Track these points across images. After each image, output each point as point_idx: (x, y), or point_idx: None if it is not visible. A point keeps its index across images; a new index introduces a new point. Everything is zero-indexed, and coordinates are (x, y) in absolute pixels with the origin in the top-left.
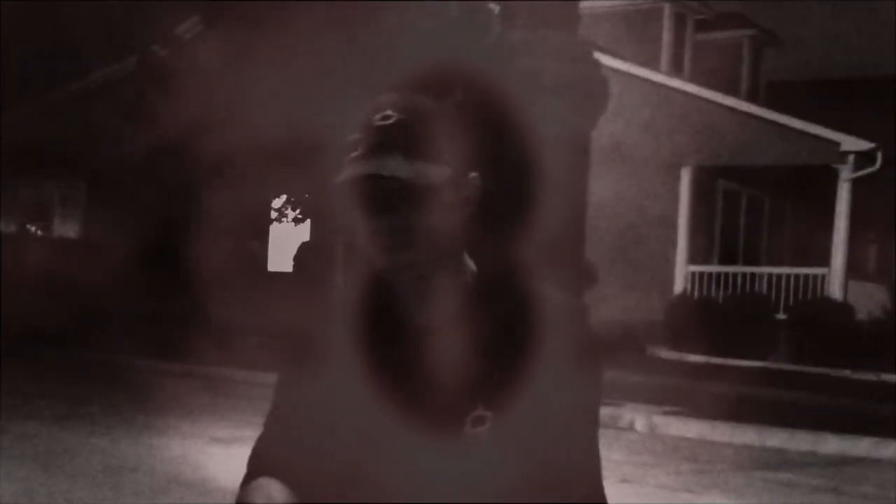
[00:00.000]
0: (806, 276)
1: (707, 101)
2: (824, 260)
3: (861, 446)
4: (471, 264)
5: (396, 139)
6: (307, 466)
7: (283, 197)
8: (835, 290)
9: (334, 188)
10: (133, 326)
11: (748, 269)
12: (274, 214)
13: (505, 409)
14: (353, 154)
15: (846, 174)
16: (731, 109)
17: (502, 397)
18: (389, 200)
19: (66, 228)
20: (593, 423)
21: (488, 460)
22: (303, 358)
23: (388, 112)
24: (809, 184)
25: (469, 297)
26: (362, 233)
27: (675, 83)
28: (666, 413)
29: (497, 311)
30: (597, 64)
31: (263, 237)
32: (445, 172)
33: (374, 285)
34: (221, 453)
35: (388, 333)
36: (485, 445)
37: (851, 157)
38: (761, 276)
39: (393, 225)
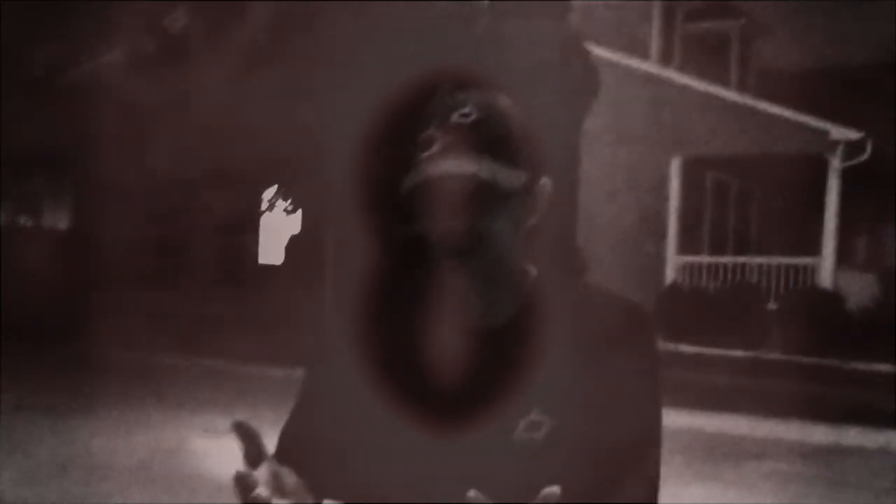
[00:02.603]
0: (796, 266)
1: (697, 91)
2: (814, 249)
3: (851, 436)
4: (532, 268)
5: (478, 139)
6: (339, 459)
7: (274, 189)
8: (825, 279)
9: (408, 186)
10: (124, 318)
11: (738, 260)
12: (264, 206)
13: (564, 414)
14: (428, 152)
15: (836, 163)
16: (721, 99)
17: (561, 402)
18: (469, 202)
19: (56, 220)
20: (657, 431)
21: (542, 466)
22: (342, 349)
23: (468, 110)
24: (799, 173)
25: (529, 301)
26: (434, 233)
27: (665, 73)
28: None
29: (558, 314)
30: (588, 53)
31: (254, 229)
32: (522, 177)
33: (430, 283)
34: (214, 444)
35: (442, 334)
36: (540, 450)
37: (841, 147)
38: (751, 266)
39: (470, 227)
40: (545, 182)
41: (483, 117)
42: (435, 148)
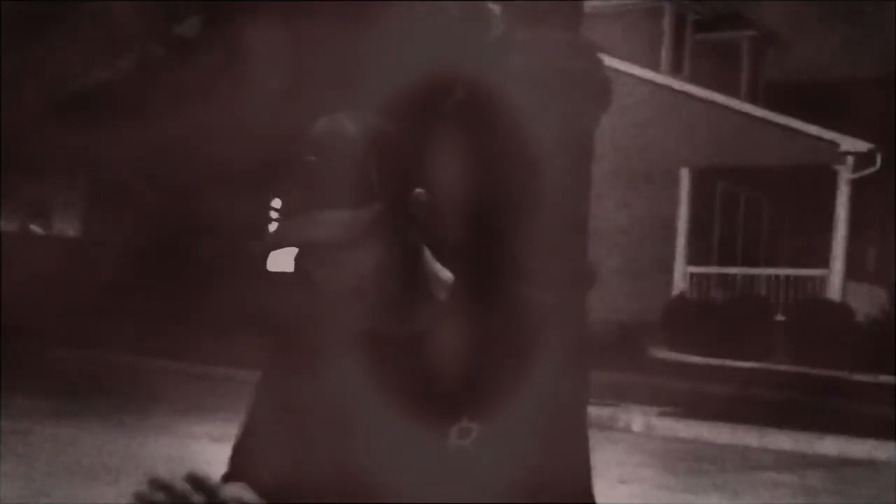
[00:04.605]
0: (805, 278)
1: (706, 101)
2: (823, 261)
3: (859, 448)
4: (445, 274)
5: (318, 188)
6: (286, 469)
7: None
8: (834, 291)
9: (261, 251)
10: (132, 324)
11: (747, 271)
12: (272, 213)
13: (491, 418)
14: (276, 212)
15: (845, 175)
16: (731, 110)
17: (487, 407)
18: (315, 263)
19: (66, 227)
20: (583, 426)
21: (475, 471)
22: (287, 359)
23: (308, 156)
24: (808, 184)
25: (445, 307)
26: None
27: (675, 83)
28: (663, 414)
29: (476, 318)
30: (600, 62)
31: (263, 236)
32: (374, 209)
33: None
34: (221, 452)
35: (368, 346)
36: (471, 456)
37: (851, 158)
38: (760, 277)
39: (327, 279)
40: (419, 193)
41: (324, 159)
42: (281, 209)
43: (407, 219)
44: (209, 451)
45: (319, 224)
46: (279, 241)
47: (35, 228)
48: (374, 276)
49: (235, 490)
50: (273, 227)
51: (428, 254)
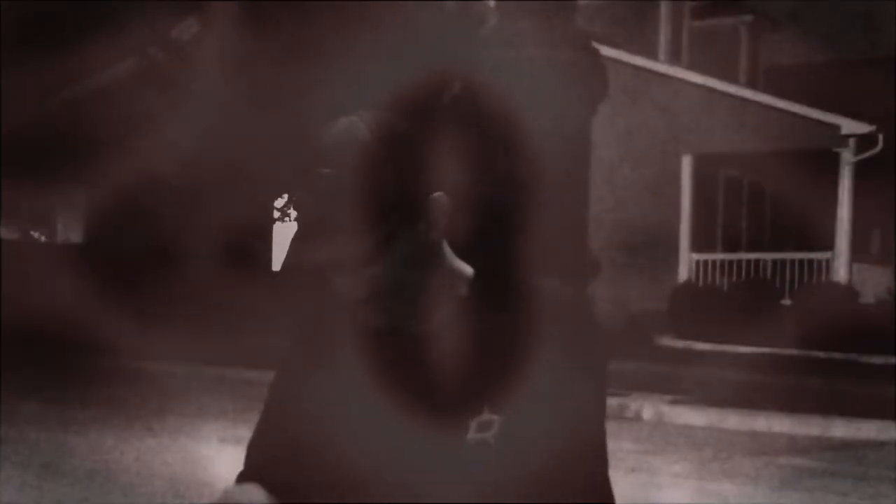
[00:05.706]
0: (810, 261)
1: (706, 87)
2: (828, 244)
3: (869, 430)
4: (465, 268)
5: (332, 209)
6: (303, 469)
7: (286, 196)
8: (839, 273)
9: (282, 269)
10: (137, 329)
11: (752, 256)
12: (276, 214)
13: (511, 410)
14: (294, 227)
15: (847, 157)
16: (731, 96)
17: (508, 399)
18: (335, 274)
19: (70, 233)
20: (600, 418)
21: (496, 463)
22: (302, 358)
23: (322, 169)
24: (811, 168)
25: (465, 302)
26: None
27: (674, 71)
28: (673, 401)
29: (496, 312)
30: (595, 51)
31: (267, 237)
32: (392, 224)
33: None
34: (231, 454)
35: (387, 343)
36: (492, 449)
37: (852, 141)
38: (765, 262)
39: (347, 286)
40: (437, 197)
41: (340, 172)
42: (298, 225)
43: (427, 223)
44: (220, 452)
45: (340, 245)
46: (299, 263)
47: (37, 236)
48: (396, 281)
49: (250, 490)
50: (291, 247)
51: (448, 250)
